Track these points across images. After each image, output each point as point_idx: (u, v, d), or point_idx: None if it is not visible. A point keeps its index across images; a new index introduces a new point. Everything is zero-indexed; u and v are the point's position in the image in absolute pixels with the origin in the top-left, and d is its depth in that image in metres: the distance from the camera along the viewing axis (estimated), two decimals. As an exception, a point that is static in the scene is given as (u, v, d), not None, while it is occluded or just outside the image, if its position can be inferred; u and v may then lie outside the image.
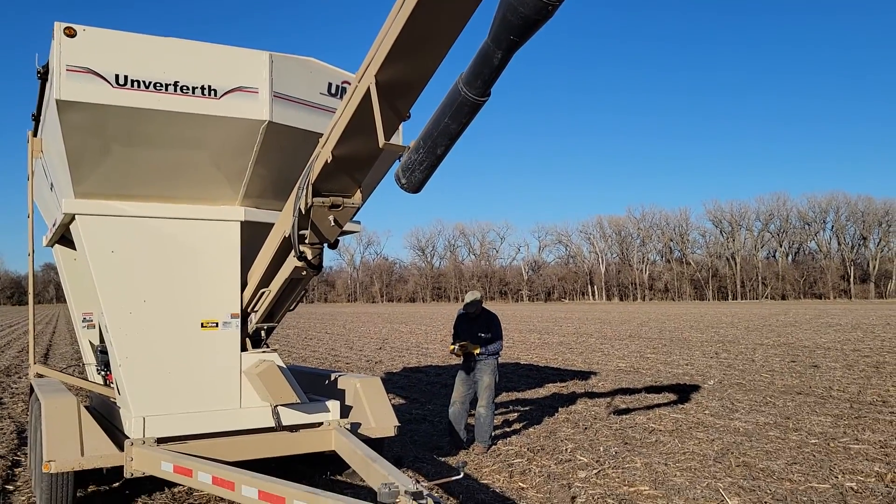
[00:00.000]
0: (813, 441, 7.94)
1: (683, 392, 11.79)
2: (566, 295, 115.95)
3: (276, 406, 5.57)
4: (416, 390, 12.52)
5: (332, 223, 4.73)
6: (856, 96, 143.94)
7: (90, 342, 7.11)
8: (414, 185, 3.68)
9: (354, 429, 5.96)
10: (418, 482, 3.50)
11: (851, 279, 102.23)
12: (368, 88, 3.79)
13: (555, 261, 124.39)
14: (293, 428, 5.69)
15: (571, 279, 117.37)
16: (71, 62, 4.66)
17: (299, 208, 4.60)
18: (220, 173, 5.47)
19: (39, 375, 6.62)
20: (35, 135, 6.38)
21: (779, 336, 24.96)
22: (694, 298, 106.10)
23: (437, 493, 3.59)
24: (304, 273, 5.08)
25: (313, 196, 4.56)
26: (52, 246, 7.11)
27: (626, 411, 10.04)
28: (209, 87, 5.04)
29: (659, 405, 10.50)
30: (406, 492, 3.33)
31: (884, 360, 16.46)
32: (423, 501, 3.24)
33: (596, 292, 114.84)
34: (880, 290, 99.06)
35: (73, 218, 5.39)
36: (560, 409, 10.28)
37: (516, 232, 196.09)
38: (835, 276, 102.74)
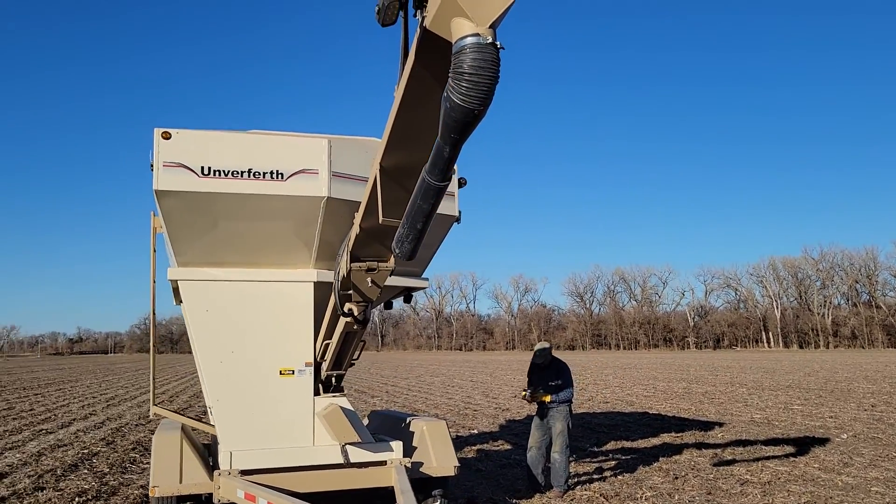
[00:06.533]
0: (914, 498, 7.50)
1: (805, 445, 11.28)
2: (737, 342, 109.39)
3: (345, 445, 6.32)
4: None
5: (371, 284, 5.46)
6: None
7: (210, 387, 8.26)
8: (405, 253, 4.33)
9: (416, 468, 6.57)
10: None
11: None
12: (376, 174, 4.52)
13: (723, 306, 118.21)
14: (360, 465, 6.40)
15: (743, 325, 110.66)
16: (166, 159, 5.80)
17: (341, 272, 5.39)
18: (293, 241, 6.40)
19: (157, 416, 7.84)
20: (156, 214, 7.71)
21: (960, 387, 22.55)
22: (888, 346, 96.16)
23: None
24: (355, 328, 5.84)
25: (351, 262, 5.32)
26: (179, 304, 8.40)
27: (731, 462, 9.83)
28: (277, 171, 6.01)
29: (768, 457, 10.18)
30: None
31: None
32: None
33: (771, 339, 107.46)
34: None
35: (177, 283, 6.52)
36: (661, 458, 10.25)
37: (679, 276, 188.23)
38: None
